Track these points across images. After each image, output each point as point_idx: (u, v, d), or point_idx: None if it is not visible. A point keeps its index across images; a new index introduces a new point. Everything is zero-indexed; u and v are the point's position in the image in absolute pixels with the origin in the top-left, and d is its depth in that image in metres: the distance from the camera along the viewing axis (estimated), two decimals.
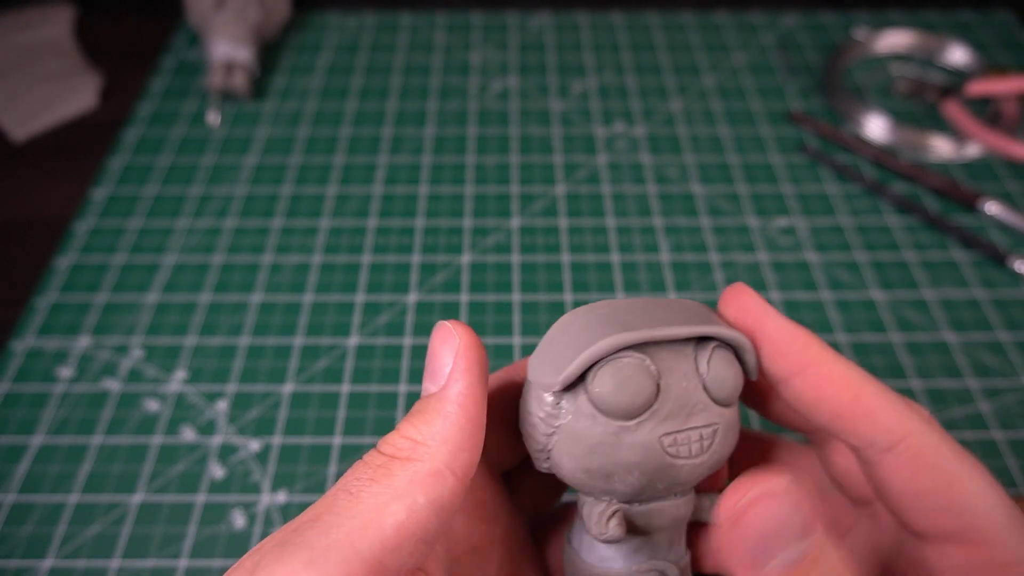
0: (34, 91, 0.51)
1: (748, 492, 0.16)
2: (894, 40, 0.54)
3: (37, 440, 0.34)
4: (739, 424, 0.19)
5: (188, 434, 0.34)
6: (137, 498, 0.32)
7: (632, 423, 0.17)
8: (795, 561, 0.15)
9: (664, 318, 0.18)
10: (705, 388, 0.18)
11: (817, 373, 0.18)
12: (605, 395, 0.17)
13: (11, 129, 0.49)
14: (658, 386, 0.17)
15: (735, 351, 0.19)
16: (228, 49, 0.49)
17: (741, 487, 0.16)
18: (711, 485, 0.21)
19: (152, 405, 0.35)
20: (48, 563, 0.31)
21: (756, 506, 0.16)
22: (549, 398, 0.18)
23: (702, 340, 0.18)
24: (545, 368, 0.18)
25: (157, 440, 0.34)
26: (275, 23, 0.54)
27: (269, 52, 0.54)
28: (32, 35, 0.55)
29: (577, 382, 0.17)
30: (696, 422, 0.18)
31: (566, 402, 0.18)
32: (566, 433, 0.18)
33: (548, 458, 0.18)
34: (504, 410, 0.21)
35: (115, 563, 0.31)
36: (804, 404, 0.18)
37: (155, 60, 0.54)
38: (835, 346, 0.37)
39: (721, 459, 0.19)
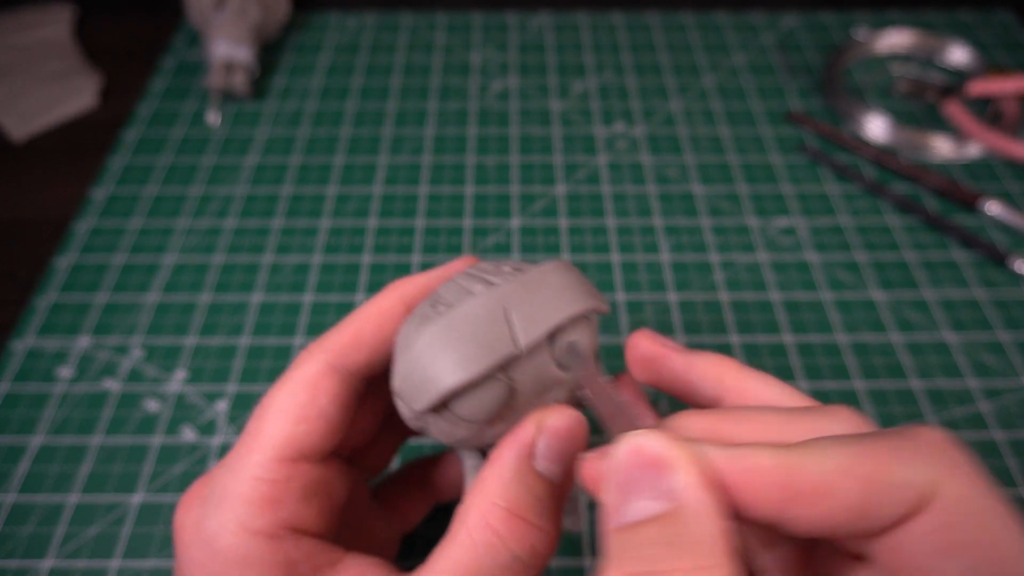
0: (34, 91, 0.51)
1: (628, 441, 0.16)
2: (894, 40, 0.54)
3: (37, 440, 0.34)
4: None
5: (188, 434, 0.34)
6: (137, 498, 0.32)
7: (492, 422, 0.19)
8: (650, 512, 0.14)
9: (525, 314, 0.19)
10: (559, 365, 0.20)
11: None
12: (464, 413, 0.19)
13: (11, 129, 0.49)
14: (512, 389, 0.19)
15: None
16: (228, 49, 0.49)
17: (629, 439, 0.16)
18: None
19: (152, 405, 0.35)
20: (48, 563, 0.31)
21: (628, 454, 0.15)
22: (414, 417, 0.20)
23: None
24: (409, 393, 0.19)
25: (157, 440, 0.34)
26: (275, 23, 0.54)
27: (269, 52, 0.54)
28: (32, 35, 0.55)
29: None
30: (552, 396, 0.20)
31: (431, 415, 0.19)
32: (436, 428, 0.20)
33: (424, 432, 0.21)
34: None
35: (115, 563, 0.31)
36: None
37: (155, 60, 0.54)
38: (835, 347, 0.37)
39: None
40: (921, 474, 0.14)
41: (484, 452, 0.22)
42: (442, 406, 0.19)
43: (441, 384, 0.18)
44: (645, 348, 0.21)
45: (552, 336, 0.19)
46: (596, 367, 0.19)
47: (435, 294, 0.20)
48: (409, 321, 0.20)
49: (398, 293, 0.22)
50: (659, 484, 0.15)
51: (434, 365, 0.18)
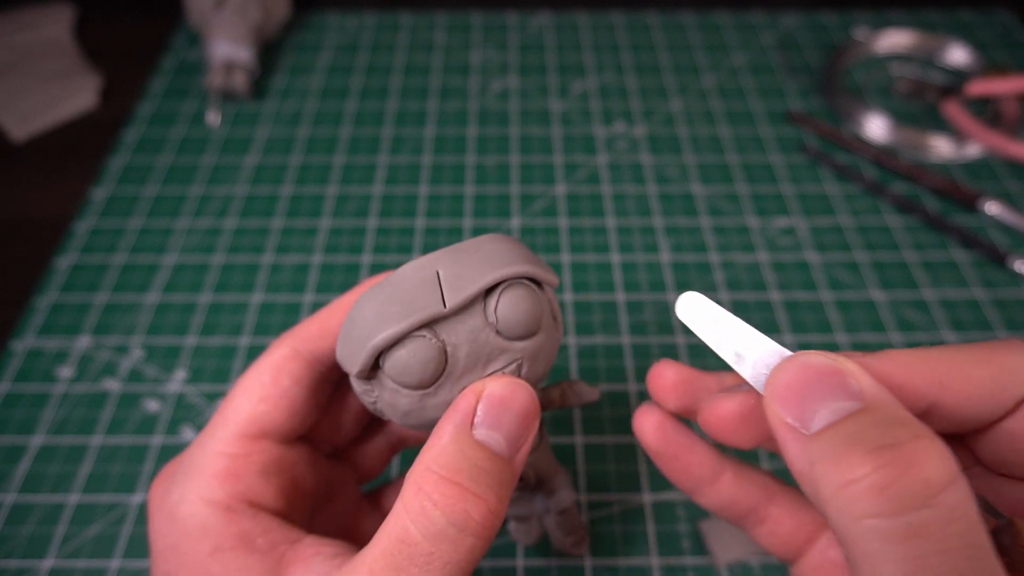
0: (34, 91, 0.51)
1: (791, 362, 0.16)
2: (894, 40, 0.54)
3: (37, 440, 0.34)
4: (555, 339, 0.21)
5: (188, 434, 0.34)
6: (137, 498, 0.32)
7: (431, 390, 0.19)
8: (841, 412, 0.15)
9: (454, 276, 0.19)
10: (499, 332, 0.19)
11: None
12: (396, 376, 0.19)
13: (11, 129, 0.49)
14: (445, 353, 0.19)
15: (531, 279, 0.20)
16: (228, 49, 0.49)
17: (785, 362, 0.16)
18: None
19: (152, 405, 0.35)
20: (48, 563, 0.31)
21: (796, 372, 0.16)
22: (357, 383, 0.20)
23: (492, 287, 0.19)
24: (345, 357, 0.20)
25: (157, 440, 0.34)
26: (275, 23, 0.54)
27: (269, 52, 0.54)
28: (32, 35, 0.55)
29: (375, 366, 0.19)
30: (497, 365, 0.20)
31: (374, 382, 0.20)
32: (383, 402, 0.20)
33: (380, 413, 0.21)
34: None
35: (115, 563, 0.31)
36: None
37: (155, 60, 0.54)
38: (835, 347, 0.37)
39: (537, 380, 0.21)
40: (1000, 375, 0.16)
41: None
42: (376, 368, 0.19)
43: (368, 341, 0.18)
44: (677, 373, 0.21)
45: (487, 300, 0.19)
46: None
47: None
48: None
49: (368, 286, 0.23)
50: (841, 390, 0.15)
51: (363, 325, 0.19)
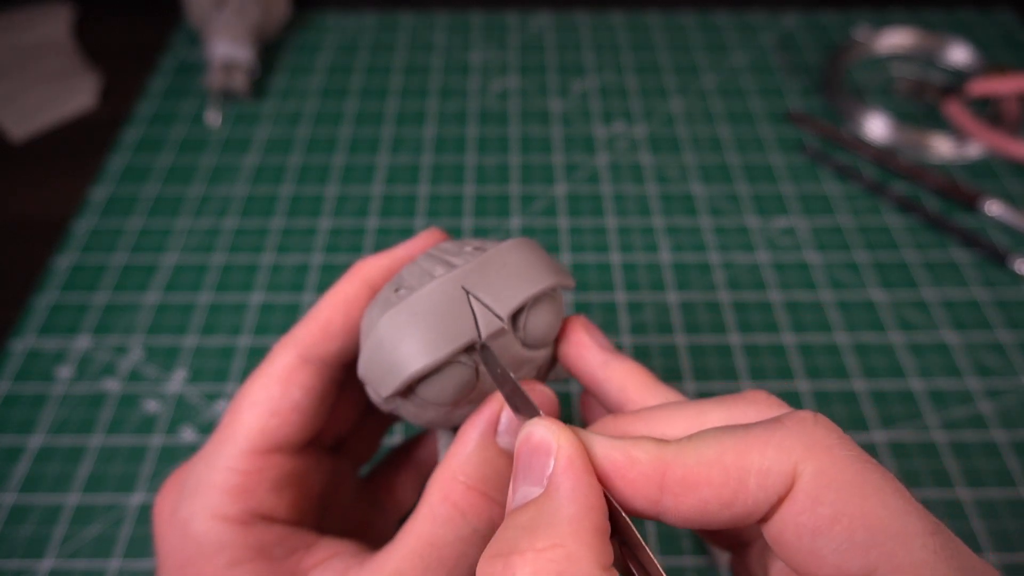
0: (33, 91, 0.51)
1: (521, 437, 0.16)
2: (895, 40, 0.54)
3: (36, 440, 0.34)
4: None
5: (188, 434, 0.34)
6: (137, 499, 0.32)
7: (459, 403, 0.19)
8: (530, 496, 0.15)
9: (484, 295, 0.19)
10: (524, 344, 0.20)
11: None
12: (430, 397, 0.19)
13: (10, 129, 0.49)
14: (477, 372, 0.19)
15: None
16: (228, 49, 0.49)
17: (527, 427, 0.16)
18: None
19: (152, 405, 0.35)
20: (48, 564, 0.31)
21: (521, 440, 0.16)
22: (383, 401, 0.20)
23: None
24: (374, 380, 0.19)
25: (157, 440, 0.34)
26: (275, 23, 0.53)
27: (269, 52, 0.54)
28: (30, 35, 0.55)
29: (407, 389, 0.19)
30: (522, 373, 0.20)
31: (399, 399, 0.19)
32: (406, 412, 0.20)
33: (397, 416, 0.21)
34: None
35: (115, 563, 0.30)
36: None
37: (155, 60, 0.54)
38: (835, 347, 0.37)
39: (548, 376, 0.22)
40: (781, 458, 0.14)
41: (456, 431, 0.22)
42: (408, 391, 0.19)
43: (404, 370, 0.18)
44: (569, 335, 0.21)
45: (515, 316, 0.19)
46: (503, 367, 0.18)
47: (398, 277, 0.20)
48: (372, 306, 0.20)
49: (361, 277, 0.22)
50: (541, 470, 0.15)
51: (396, 351, 0.18)
